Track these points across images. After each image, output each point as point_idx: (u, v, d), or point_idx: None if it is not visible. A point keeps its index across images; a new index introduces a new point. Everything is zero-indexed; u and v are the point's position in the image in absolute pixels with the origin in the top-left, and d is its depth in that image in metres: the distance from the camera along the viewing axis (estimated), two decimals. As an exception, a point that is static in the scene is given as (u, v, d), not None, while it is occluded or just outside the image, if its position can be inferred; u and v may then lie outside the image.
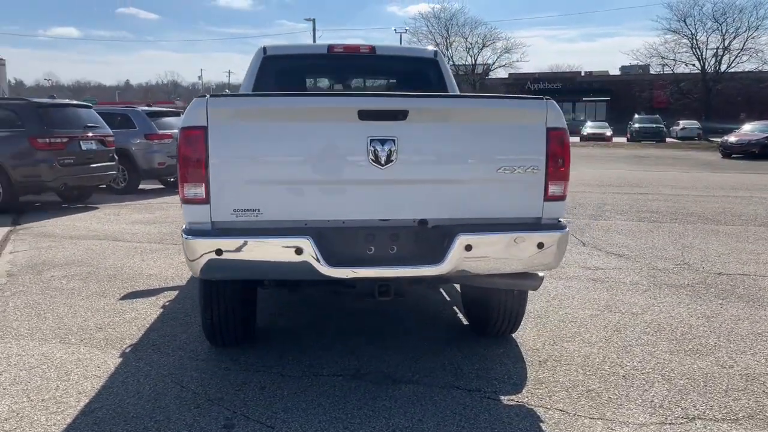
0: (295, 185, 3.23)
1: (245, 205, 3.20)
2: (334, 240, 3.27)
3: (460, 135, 3.29)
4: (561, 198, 3.44)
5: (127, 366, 3.90)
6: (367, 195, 3.28)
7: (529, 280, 3.68)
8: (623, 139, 42.55)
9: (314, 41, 49.00)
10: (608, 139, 41.52)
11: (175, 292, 5.52)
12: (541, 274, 3.74)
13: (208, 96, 3.14)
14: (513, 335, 4.40)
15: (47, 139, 10.31)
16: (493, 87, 50.13)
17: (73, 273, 6.28)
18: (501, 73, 54.36)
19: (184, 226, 3.28)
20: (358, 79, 6.03)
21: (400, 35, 55.32)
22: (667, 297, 5.42)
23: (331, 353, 4.07)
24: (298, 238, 3.12)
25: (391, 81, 5.67)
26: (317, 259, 3.12)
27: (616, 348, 4.20)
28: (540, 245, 3.30)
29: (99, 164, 11.35)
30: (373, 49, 5.27)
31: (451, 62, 41.84)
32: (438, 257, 3.23)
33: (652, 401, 3.41)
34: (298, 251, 3.11)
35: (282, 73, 5.30)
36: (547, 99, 3.35)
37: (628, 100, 54.68)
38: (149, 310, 5.02)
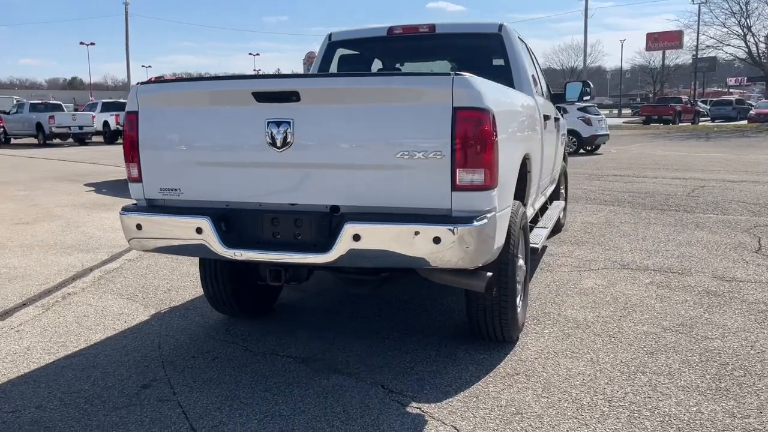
0: (206, 167, 3.36)
1: (169, 185, 3.44)
2: (243, 222, 3.32)
3: (355, 117, 3.06)
4: (480, 188, 2.97)
5: (147, 324, 4.44)
6: (271, 179, 3.25)
7: (471, 278, 3.29)
8: None
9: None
10: None
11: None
12: (488, 273, 3.31)
13: (138, 83, 3.45)
14: (518, 342, 3.91)
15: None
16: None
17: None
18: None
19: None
20: (420, 60, 5.76)
21: (699, 6, 49.58)
22: (780, 323, 4.22)
23: (308, 337, 4.09)
24: (198, 218, 3.26)
25: (451, 60, 5.32)
26: (214, 239, 3.23)
27: (619, 374, 3.46)
28: (436, 240, 2.92)
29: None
30: (432, 27, 5.02)
31: (749, 33, 35.93)
32: (329, 245, 3.08)
33: (575, 439, 2.79)
34: (198, 230, 3.25)
35: (345, 59, 5.36)
36: (457, 74, 2.91)
37: None
38: (224, 280, 5.56)
